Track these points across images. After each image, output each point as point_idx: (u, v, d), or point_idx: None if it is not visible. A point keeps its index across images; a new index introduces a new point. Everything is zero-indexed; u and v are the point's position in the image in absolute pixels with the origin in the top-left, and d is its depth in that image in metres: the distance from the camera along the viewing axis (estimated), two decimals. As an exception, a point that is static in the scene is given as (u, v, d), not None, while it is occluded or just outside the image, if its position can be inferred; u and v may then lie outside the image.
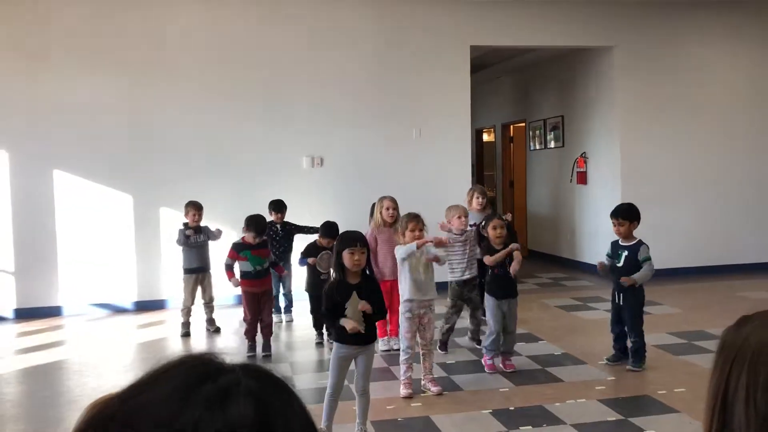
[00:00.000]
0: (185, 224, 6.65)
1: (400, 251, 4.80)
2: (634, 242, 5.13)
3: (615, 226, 5.16)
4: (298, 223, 7.09)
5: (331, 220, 6.28)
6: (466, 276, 5.62)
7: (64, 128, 7.59)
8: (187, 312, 6.59)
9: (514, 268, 5.10)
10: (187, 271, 6.62)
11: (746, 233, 9.35)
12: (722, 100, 9.24)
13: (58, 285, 7.68)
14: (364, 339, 3.90)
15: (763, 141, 9.42)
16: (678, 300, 7.62)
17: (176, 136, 7.84)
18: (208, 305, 6.66)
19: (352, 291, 3.84)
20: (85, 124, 7.63)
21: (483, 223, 5.27)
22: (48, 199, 7.63)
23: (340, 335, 3.88)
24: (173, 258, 7.71)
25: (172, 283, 7.83)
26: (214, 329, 6.64)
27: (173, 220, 7.79)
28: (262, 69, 8.01)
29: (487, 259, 5.08)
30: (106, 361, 5.82)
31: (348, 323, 3.77)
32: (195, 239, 6.59)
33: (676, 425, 4.07)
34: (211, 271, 6.72)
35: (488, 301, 5.18)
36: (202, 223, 6.70)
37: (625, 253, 5.06)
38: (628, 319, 5.11)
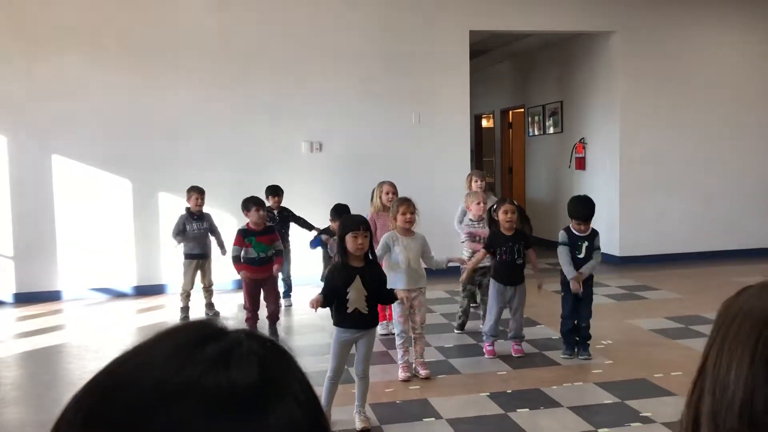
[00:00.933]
0: (187, 209, 6.63)
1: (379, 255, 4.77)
2: (590, 231, 5.10)
3: (579, 224, 5.05)
4: (295, 213, 7.06)
5: (332, 204, 6.27)
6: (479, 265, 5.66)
7: (63, 113, 7.57)
8: (186, 296, 6.61)
9: (541, 283, 5.21)
10: (188, 256, 6.63)
11: (747, 219, 9.36)
12: (723, 85, 9.22)
13: (57, 269, 7.70)
14: (366, 323, 3.92)
15: (765, 126, 9.41)
16: (676, 285, 7.65)
17: (175, 120, 7.83)
18: (207, 290, 6.67)
19: (356, 275, 3.85)
20: (83, 109, 7.61)
21: (495, 206, 5.25)
22: (47, 184, 7.63)
23: (341, 320, 3.90)
24: (172, 242, 7.73)
25: (171, 268, 7.84)
26: (213, 313, 6.67)
27: (172, 204, 7.80)
28: (261, 54, 7.98)
29: (469, 263, 5.15)
30: (106, 344, 5.85)
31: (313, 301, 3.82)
32: (196, 227, 6.55)
33: (673, 408, 4.09)
34: (212, 257, 6.72)
35: (492, 285, 5.19)
36: (205, 209, 6.68)
37: (585, 243, 5.05)
38: (585, 308, 5.09)
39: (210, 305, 6.69)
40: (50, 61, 7.53)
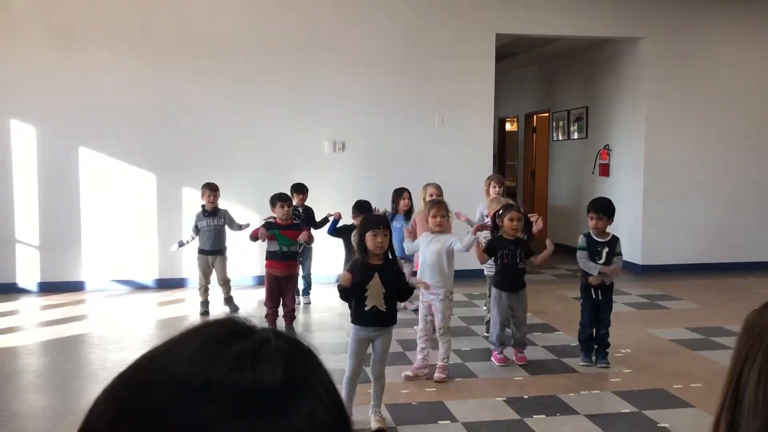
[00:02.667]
0: (203, 206, 6.69)
1: (411, 246, 4.85)
2: (610, 237, 5.07)
3: (593, 220, 5.01)
4: (316, 214, 7.07)
5: (352, 204, 6.31)
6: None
7: (91, 106, 7.68)
8: (203, 291, 6.66)
9: (543, 257, 5.15)
10: (200, 251, 6.69)
11: (770, 231, 9.23)
12: (750, 93, 9.10)
13: (81, 260, 7.80)
14: (384, 321, 3.93)
15: (791, 138, 9.27)
16: (697, 295, 7.56)
17: (200, 118, 7.90)
18: (224, 285, 6.70)
19: (374, 272, 3.87)
20: (111, 103, 7.71)
21: (501, 212, 5.22)
22: (73, 176, 7.74)
23: (359, 317, 3.92)
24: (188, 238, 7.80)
25: (192, 262, 7.92)
26: (232, 309, 6.70)
27: (195, 200, 7.87)
28: (285, 53, 8.02)
29: (477, 256, 5.10)
30: (127, 335, 5.92)
31: (344, 279, 3.84)
32: (206, 224, 6.60)
33: (691, 420, 4.06)
34: (227, 254, 6.76)
35: (494, 293, 5.17)
36: (221, 206, 6.73)
37: (606, 249, 5.01)
38: (605, 315, 5.06)
39: (229, 300, 6.72)
40: (80, 55, 7.63)
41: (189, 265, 7.94)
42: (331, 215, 6.56)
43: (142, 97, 7.78)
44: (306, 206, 7.03)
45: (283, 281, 5.76)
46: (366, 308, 3.87)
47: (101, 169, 7.78)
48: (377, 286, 3.86)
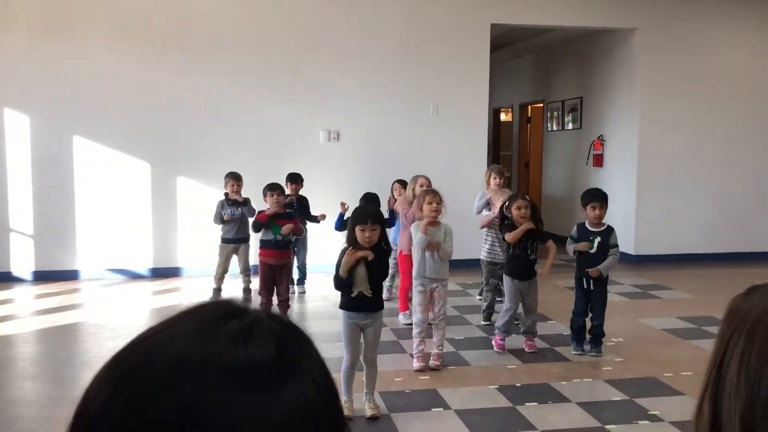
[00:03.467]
0: (226, 194, 6.70)
1: (417, 240, 4.83)
2: (605, 227, 5.08)
3: (594, 209, 5.01)
4: (311, 203, 7.08)
5: (348, 193, 6.33)
6: (499, 259, 5.78)
7: (86, 95, 7.66)
8: (219, 278, 6.73)
9: (546, 270, 5.23)
10: (223, 240, 6.72)
11: (764, 221, 9.28)
12: (744, 85, 9.13)
13: (75, 249, 7.80)
14: (371, 306, 3.98)
15: (784, 129, 9.31)
16: (690, 285, 7.62)
17: (195, 107, 7.88)
18: (245, 274, 6.75)
19: (360, 260, 3.91)
20: (106, 92, 7.69)
21: (507, 203, 5.28)
22: (67, 165, 7.72)
23: (347, 303, 3.96)
24: (190, 226, 7.82)
25: (188, 252, 7.94)
26: (245, 297, 6.69)
27: (190, 189, 7.89)
28: (281, 42, 8.01)
29: (508, 236, 5.10)
30: (121, 324, 5.93)
31: (362, 252, 3.86)
32: (231, 212, 6.63)
33: (681, 407, 4.10)
34: (250, 242, 6.81)
35: (506, 281, 5.21)
36: (244, 194, 6.75)
37: (598, 238, 5.03)
38: (597, 305, 5.08)
39: (247, 290, 6.72)
40: (74, 43, 7.60)
41: (184, 255, 7.97)
42: (323, 216, 6.61)
43: (137, 87, 7.76)
44: (301, 196, 7.04)
45: (277, 270, 5.77)
46: (353, 294, 3.93)
47: (96, 158, 7.77)
48: (363, 272, 3.91)
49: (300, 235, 6.26)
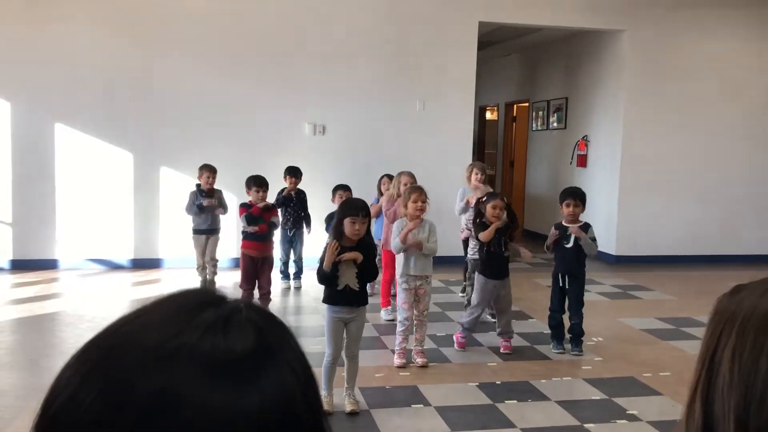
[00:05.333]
0: (198, 186, 6.66)
1: (394, 245, 4.83)
2: (581, 224, 5.12)
3: (570, 207, 5.05)
4: (307, 205, 7.04)
5: (333, 186, 6.29)
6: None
7: (68, 82, 7.56)
8: (202, 269, 6.73)
9: (525, 253, 5.21)
10: (196, 231, 6.70)
11: (747, 224, 9.37)
12: (728, 90, 9.19)
13: (55, 238, 7.71)
14: (356, 300, 3.96)
15: None
16: (671, 287, 7.68)
17: (178, 98, 7.81)
18: (212, 264, 6.75)
19: (347, 252, 3.90)
20: (89, 80, 7.60)
21: (484, 198, 5.25)
22: (48, 152, 7.63)
23: (332, 298, 3.94)
24: (171, 217, 7.76)
25: (169, 243, 7.88)
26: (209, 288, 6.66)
27: (172, 180, 7.82)
28: (266, 34, 7.95)
29: (481, 235, 5.08)
30: (100, 314, 5.87)
31: (350, 254, 3.86)
32: (211, 206, 6.61)
33: (659, 407, 4.13)
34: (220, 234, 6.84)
35: (479, 280, 5.18)
36: (222, 187, 6.74)
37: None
38: (573, 302, 5.11)
39: (212, 282, 6.70)
40: (56, 30, 7.50)
41: (164, 246, 7.90)
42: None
43: (121, 75, 7.67)
44: (299, 190, 7.00)
45: (259, 263, 5.73)
46: (339, 287, 3.90)
47: (77, 147, 7.68)
48: (350, 266, 3.88)
49: (264, 233, 6.00)
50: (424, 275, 4.84)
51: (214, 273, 6.78)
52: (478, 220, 5.20)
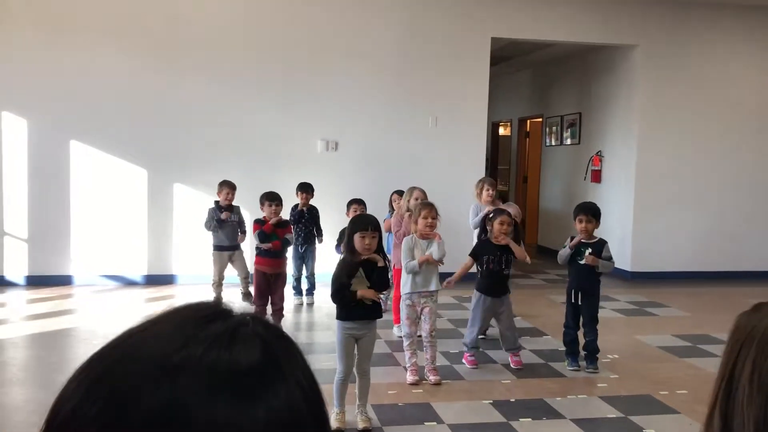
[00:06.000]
0: (216, 203, 6.68)
1: (406, 265, 4.80)
2: (597, 240, 5.06)
3: (582, 222, 4.99)
4: (319, 219, 7.04)
5: (346, 203, 6.29)
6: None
7: (84, 100, 7.64)
8: (217, 286, 6.72)
9: (520, 255, 5.10)
10: (217, 248, 6.70)
11: (762, 240, 9.26)
12: (743, 104, 9.14)
13: (69, 254, 7.76)
14: (369, 314, 3.94)
15: (782, 149, 9.32)
16: (686, 303, 7.59)
17: (193, 115, 7.87)
18: (245, 280, 6.76)
19: (358, 268, 3.91)
20: (104, 97, 7.68)
21: (492, 215, 5.22)
22: (64, 169, 7.69)
23: (344, 313, 3.93)
24: (185, 234, 7.80)
25: (182, 259, 7.91)
26: (245, 301, 6.64)
27: (186, 197, 7.86)
28: (280, 51, 8.01)
29: (518, 253, 5.02)
30: (114, 330, 5.78)
31: (366, 292, 3.86)
32: (229, 219, 6.62)
33: (676, 426, 4.07)
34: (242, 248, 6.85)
35: (474, 295, 5.14)
36: (234, 203, 6.74)
37: (589, 250, 5.01)
38: (587, 319, 5.05)
39: (247, 294, 6.67)
40: (72, 47, 7.59)
41: (178, 262, 7.93)
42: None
43: (135, 93, 7.75)
44: (311, 206, 7.00)
45: (272, 279, 5.74)
46: (352, 302, 3.89)
47: (92, 164, 7.74)
48: (362, 279, 3.89)
49: (277, 249, 6.01)
50: (428, 292, 4.80)
51: (248, 285, 6.70)
52: (483, 236, 5.19)
